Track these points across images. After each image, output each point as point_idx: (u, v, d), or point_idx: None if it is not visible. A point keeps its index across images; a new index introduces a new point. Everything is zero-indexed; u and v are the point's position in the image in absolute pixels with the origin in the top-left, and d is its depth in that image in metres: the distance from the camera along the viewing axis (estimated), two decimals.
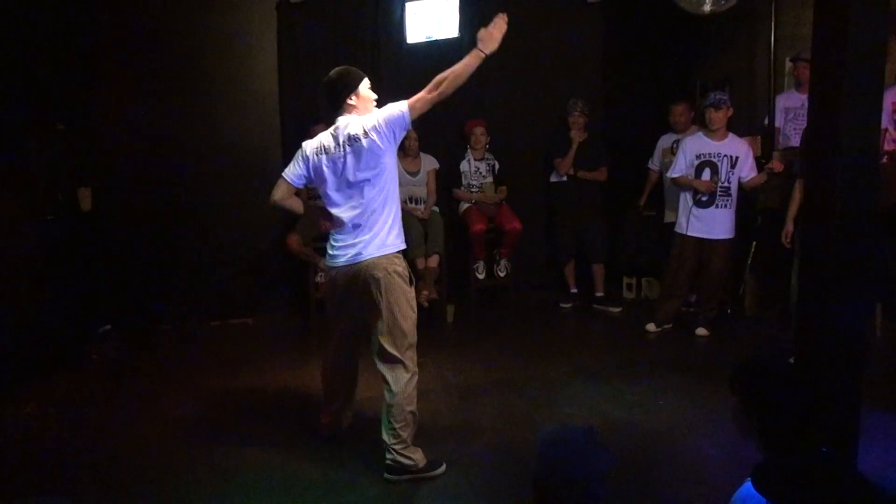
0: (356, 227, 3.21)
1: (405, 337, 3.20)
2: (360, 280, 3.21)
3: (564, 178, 6.14)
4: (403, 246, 3.31)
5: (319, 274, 5.55)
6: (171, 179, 5.83)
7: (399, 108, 3.14)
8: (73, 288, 4.99)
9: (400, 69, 6.09)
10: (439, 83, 3.10)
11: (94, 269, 5.30)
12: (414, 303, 3.27)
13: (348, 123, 3.20)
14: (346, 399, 3.58)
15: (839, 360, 2.21)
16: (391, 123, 3.13)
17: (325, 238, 3.44)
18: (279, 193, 3.35)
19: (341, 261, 3.25)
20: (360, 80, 3.28)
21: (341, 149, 3.19)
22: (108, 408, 4.19)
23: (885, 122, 5.26)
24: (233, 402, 4.21)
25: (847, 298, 2.21)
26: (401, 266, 3.24)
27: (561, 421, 1.85)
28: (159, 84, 5.72)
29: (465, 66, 3.10)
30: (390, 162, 3.22)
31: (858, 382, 2.34)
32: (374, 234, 3.20)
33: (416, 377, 3.24)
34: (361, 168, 3.17)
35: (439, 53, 6.19)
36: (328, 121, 3.38)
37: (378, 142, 3.13)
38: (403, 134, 3.23)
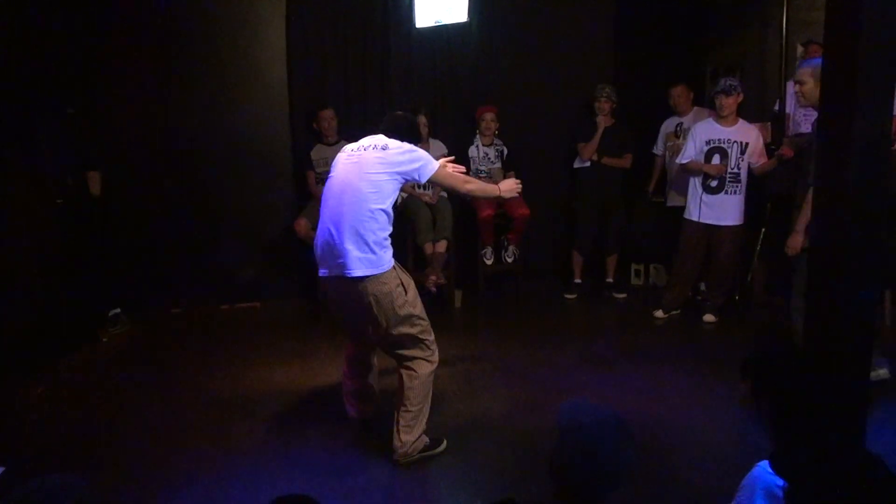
0: None
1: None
2: None
3: (588, 164, 6.11)
4: None
5: None
6: (181, 164, 5.84)
7: (420, 171, 3.13)
8: (83, 271, 5.01)
9: (409, 53, 6.07)
10: (470, 181, 3.35)
11: (104, 253, 5.32)
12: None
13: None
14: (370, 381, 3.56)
15: (848, 345, 2.21)
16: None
17: None
18: None
19: None
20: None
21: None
22: (118, 389, 4.23)
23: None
24: (241, 384, 4.25)
25: (857, 285, 2.20)
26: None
27: (584, 398, 1.81)
28: (168, 69, 5.72)
29: (485, 188, 3.49)
30: None
31: (867, 367, 2.34)
32: None
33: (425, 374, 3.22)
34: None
35: (448, 37, 6.20)
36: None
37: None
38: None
